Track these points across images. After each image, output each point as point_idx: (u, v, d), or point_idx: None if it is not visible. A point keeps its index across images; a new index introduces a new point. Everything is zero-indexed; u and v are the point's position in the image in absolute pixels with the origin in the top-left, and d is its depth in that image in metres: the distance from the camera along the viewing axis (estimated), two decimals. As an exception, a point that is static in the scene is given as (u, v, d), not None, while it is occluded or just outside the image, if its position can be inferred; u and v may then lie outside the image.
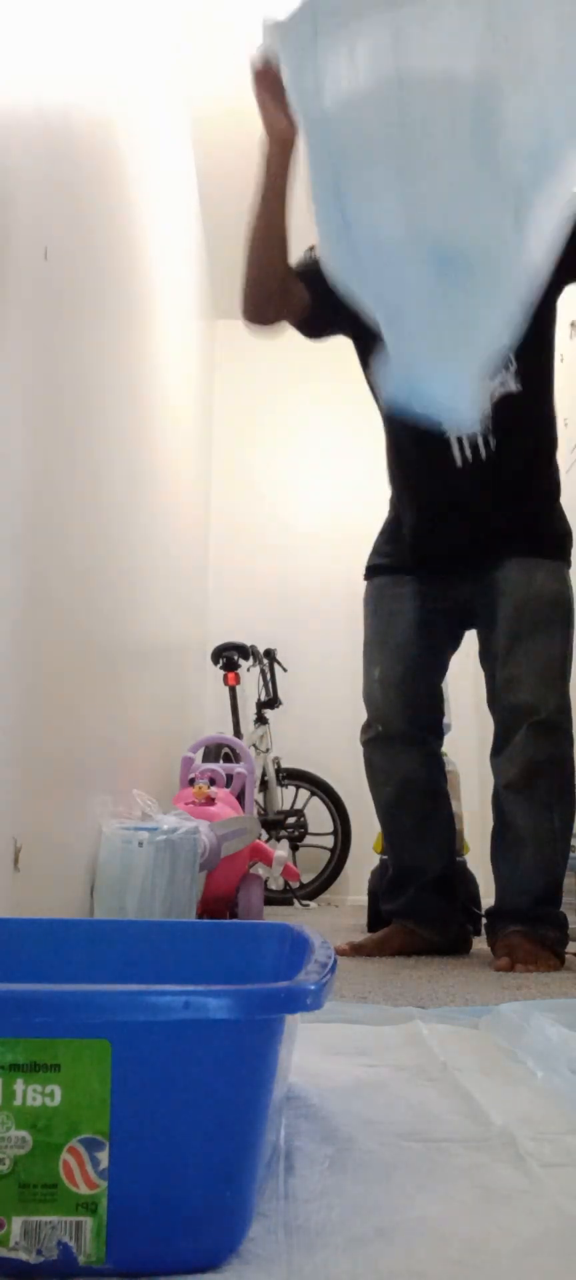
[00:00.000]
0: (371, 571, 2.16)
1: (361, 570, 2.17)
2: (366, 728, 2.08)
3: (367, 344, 1.83)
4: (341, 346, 2.06)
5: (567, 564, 1.96)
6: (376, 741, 2.04)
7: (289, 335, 2.06)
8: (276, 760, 4.15)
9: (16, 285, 1.39)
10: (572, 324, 3.00)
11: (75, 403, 1.78)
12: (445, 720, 2.17)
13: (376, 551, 2.16)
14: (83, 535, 1.84)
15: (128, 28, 2.34)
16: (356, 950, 1.93)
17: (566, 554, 1.97)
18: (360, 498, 3.61)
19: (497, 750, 1.94)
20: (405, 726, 2.02)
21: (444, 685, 2.14)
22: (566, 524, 2.00)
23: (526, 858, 1.86)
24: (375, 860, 2.72)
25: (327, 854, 4.18)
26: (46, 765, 1.59)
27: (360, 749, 2.10)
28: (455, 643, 2.14)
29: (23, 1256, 0.49)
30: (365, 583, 2.15)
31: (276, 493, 4.83)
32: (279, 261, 1.83)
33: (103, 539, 2.03)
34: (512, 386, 1.85)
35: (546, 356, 1.92)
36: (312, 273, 1.87)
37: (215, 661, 4.00)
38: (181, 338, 3.54)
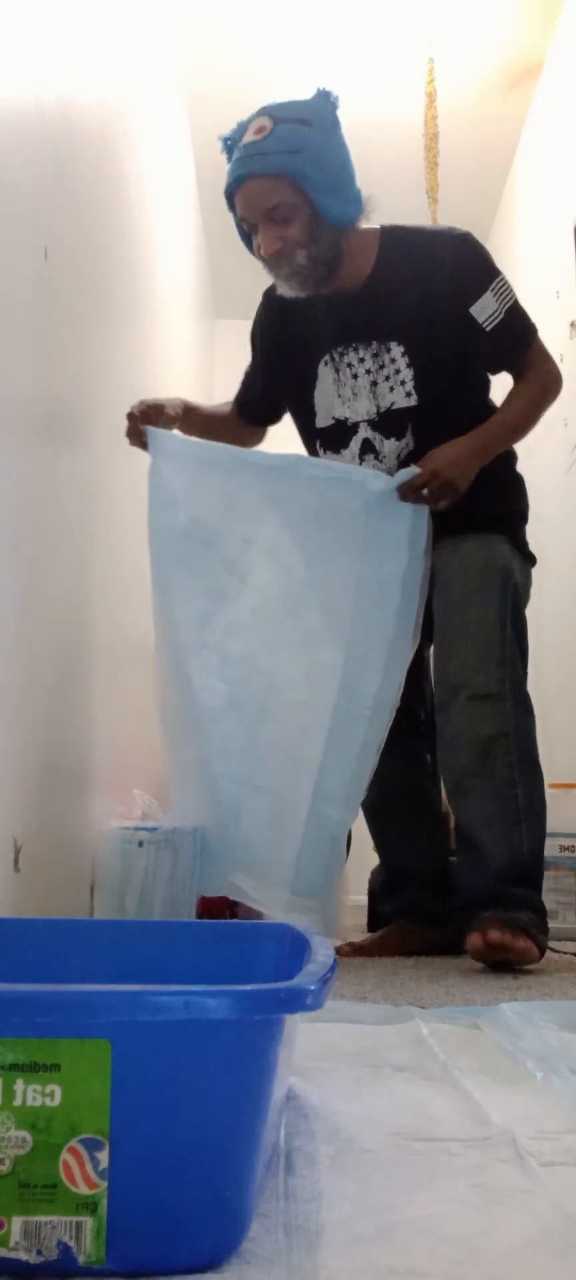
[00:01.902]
0: None
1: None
2: None
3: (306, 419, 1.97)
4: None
5: (503, 536, 1.86)
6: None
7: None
8: (276, 760, 4.14)
9: (16, 285, 1.39)
10: (573, 324, 3.00)
11: (75, 403, 1.78)
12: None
13: None
14: (83, 534, 1.84)
15: (128, 27, 2.33)
16: (356, 950, 1.93)
17: (500, 528, 1.87)
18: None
19: (439, 713, 1.84)
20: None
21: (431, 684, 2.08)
22: (507, 503, 1.92)
23: (484, 839, 1.74)
24: (375, 860, 2.71)
25: (328, 854, 4.17)
26: (46, 765, 1.59)
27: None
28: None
29: (23, 1256, 0.49)
30: None
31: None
32: (221, 436, 1.99)
33: (103, 538, 2.03)
34: (411, 446, 1.85)
35: (463, 383, 1.90)
36: (256, 397, 2.07)
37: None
38: (181, 337, 3.54)
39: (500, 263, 1.95)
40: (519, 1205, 0.61)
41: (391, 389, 1.85)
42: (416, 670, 1.97)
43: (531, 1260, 0.53)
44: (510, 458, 1.95)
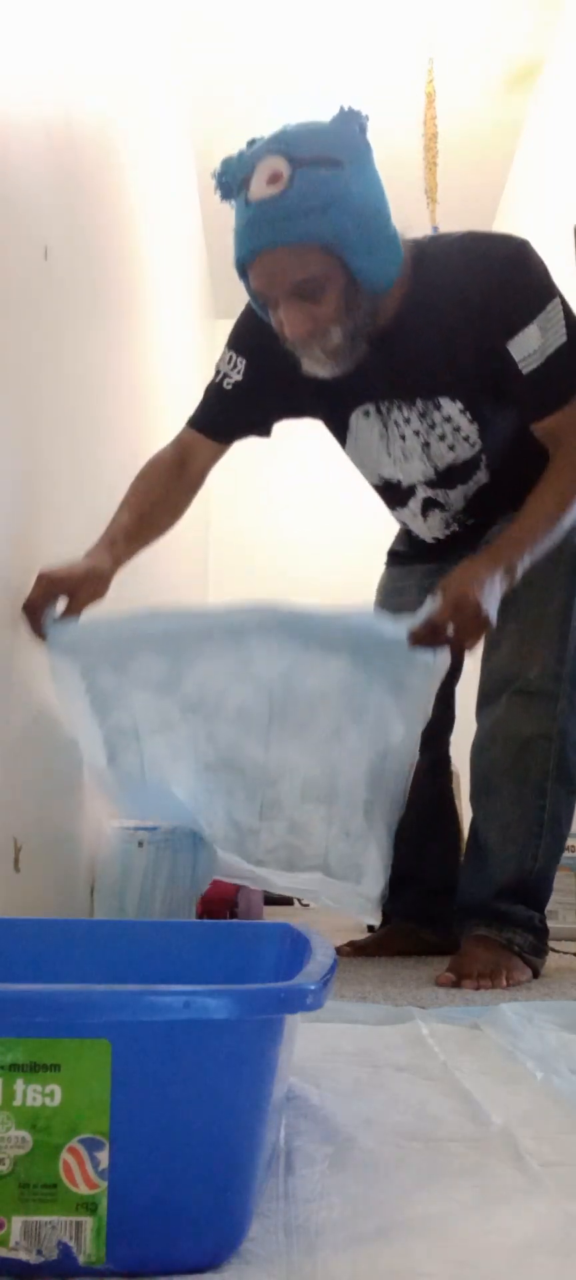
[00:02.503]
0: (388, 559, 1.99)
1: (361, 573, 2.15)
2: None
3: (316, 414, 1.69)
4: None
5: None
6: None
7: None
8: (276, 760, 4.14)
9: (16, 285, 1.39)
10: (572, 324, 3.00)
11: (75, 403, 1.78)
12: None
13: (396, 538, 1.97)
14: (82, 535, 1.84)
15: (128, 27, 2.34)
16: (358, 951, 1.93)
17: None
18: (360, 501, 3.60)
19: (480, 709, 1.67)
20: None
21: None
22: None
23: (496, 845, 1.61)
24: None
25: (328, 854, 4.18)
26: (46, 765, 1.59)
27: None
28: None
29: (23, 1256, 0.49)
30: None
31: (276, 494, 4.83)
32: (164, 513, 1.71)
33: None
34: (484, 479, 1.65)
35: (521, 446, 1.60)
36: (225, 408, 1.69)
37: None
38: (181, 337, 3.54)
39: None
40: (519, 1205, 0.61)
41: (451, 447, 1.60)
42: (449, 676, 1.91)
43: (531, 1260, 0.53)
44: None
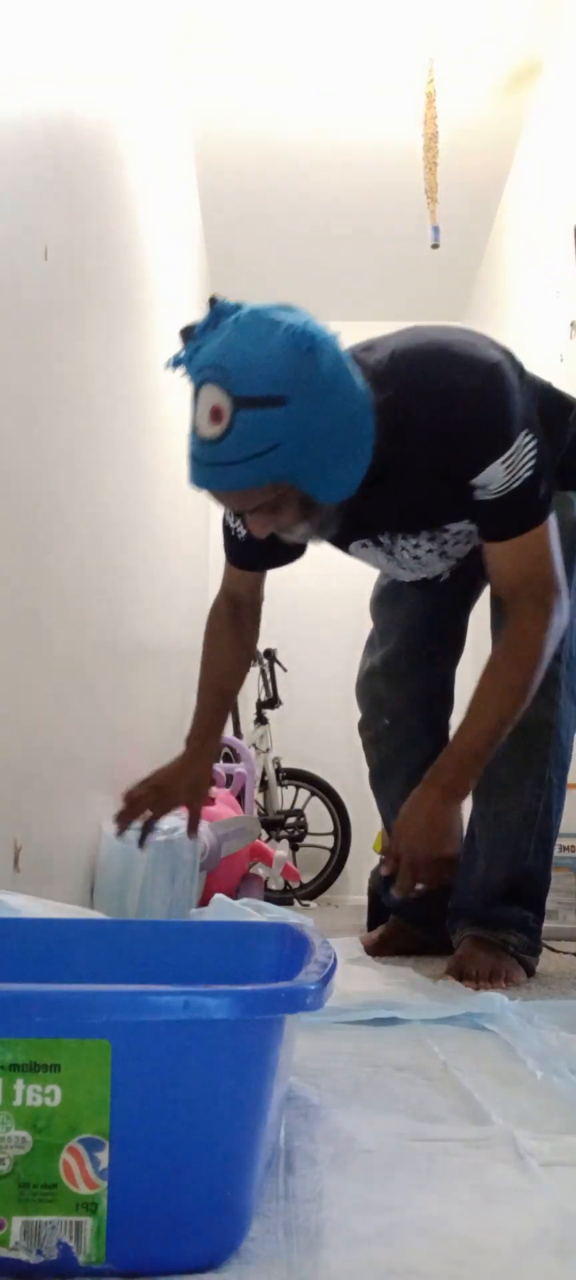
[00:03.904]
0: None
1: (361, 572, 2.14)
2: (367, 723, 2.03)
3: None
4: (343, 346, 2.05)
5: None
6: (380, 738, 1.99)
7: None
8: (276, 760, 4.15)
9: (16, 285, 1.39)
10: (573, 324, 3.00)
11: (75, 403, 1.78)
12: None
13: None
14: (83, 535, 1.84)
15: (128, 27, 2.34)
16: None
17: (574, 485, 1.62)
18: (360, 498, 3.60)
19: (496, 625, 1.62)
20: (414, 719, 1.87)
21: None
22: None
23: (490, 839, 1.60)
24: (375, 860, 2.71)
25: (328, 854, 4.18)
26: (47, 765, 1.59)
27: (360, 749, 2.08)
28: (468, 598, 1.85)
29: (23, 1256, 0.49)
30: None
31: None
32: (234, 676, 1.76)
33: (103, 539, 2.03)
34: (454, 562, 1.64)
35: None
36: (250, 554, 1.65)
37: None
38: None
39: (500, 262, 1.87)
40: (519, 1205, 0.61)
41: (467, 541, 1.57)
42: (444, 682, 1.91)
43: (531, 1260, 0.53)
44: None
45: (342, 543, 1.61)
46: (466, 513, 1.45)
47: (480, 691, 1.43)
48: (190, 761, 1.65)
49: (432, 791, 1.43)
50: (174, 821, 1.85)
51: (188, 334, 1.31)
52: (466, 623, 1.94)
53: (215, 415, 1.22)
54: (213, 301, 1.28)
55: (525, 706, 1.42)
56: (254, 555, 1.63)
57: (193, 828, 1.64)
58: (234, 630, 1.71)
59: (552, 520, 1.42)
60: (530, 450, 1.36)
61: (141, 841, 1.59)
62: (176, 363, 1.30)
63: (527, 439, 1.36)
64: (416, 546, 1.56)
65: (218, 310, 1.27)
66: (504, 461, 1.35)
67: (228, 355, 1.21)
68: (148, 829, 1.58)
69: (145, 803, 1.57)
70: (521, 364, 1.49)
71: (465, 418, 1.34)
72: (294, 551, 1.59)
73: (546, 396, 1.59)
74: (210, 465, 1.25)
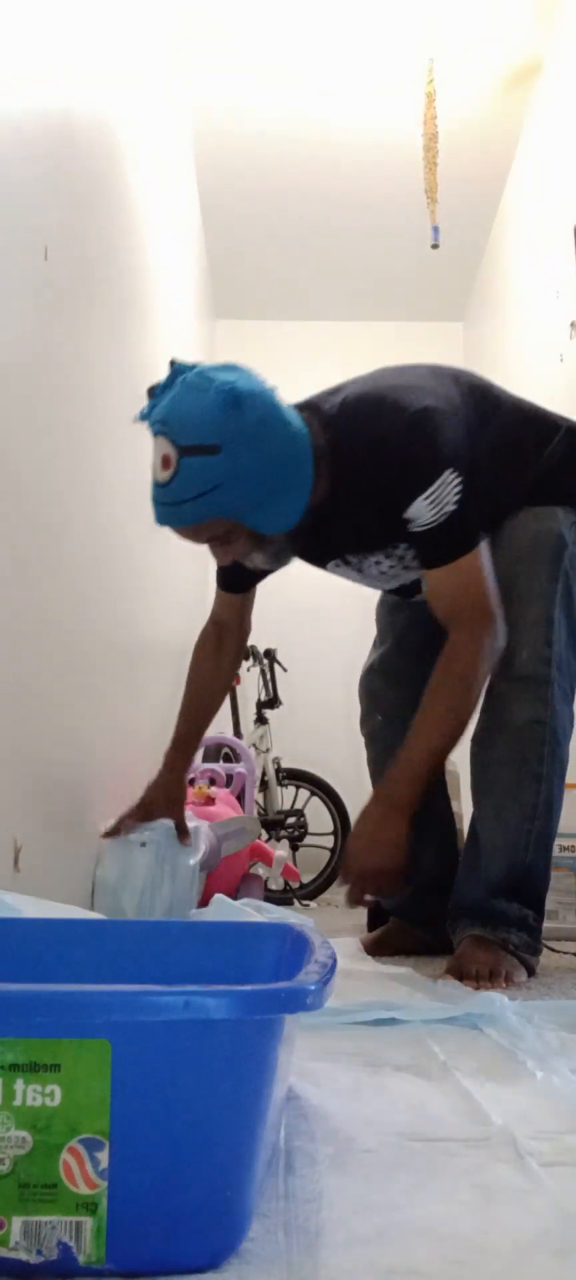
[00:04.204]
0: None
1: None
2: (364, 720, 2.05)
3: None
4: (343, 347, 2.06)
5: (565, 508, 1.67)
6: (375, 734, 2.01)
7: (289, 336, 2.06)
8: (276, 760, 4.15)
9: (16, 285, 1.39)
10: (573, 324, 3.00)
11: (75, 403, 1.78)
12: None
13: None
14: (83, 535, 1.84)
15: (127, 26, 2.34)
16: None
17: (565, 501, 1.68)
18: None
19: (478, 723, 1.70)
20: (408, 716, 1.94)
21: None
22: (566, 477, 1.71)
23: (488, 836, 1.63)
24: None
25: (328, 854, 4.18)
26: (46, 765, 1.59)
27: (360, 749, 2.09)
28: None
29: (23, 1256, 0.49)
30: None
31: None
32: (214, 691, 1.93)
33: (103, 540, 2.03)
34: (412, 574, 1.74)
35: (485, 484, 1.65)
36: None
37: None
38: (181, 337, 3.54)
39: (500, 262, 1.89)
40: (519, 1205, 0.61)
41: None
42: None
43: (531, 1260, 0.53)
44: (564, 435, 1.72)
45: (320, 563, 1.78)
46: (404, 540, 1.61)
47: (422, 711, 1.56)
48: (165, 777, 1.83)
49: (378, 806, 1.55)
50: (170, 822, 1.85)
51: (151, 392, 1.50)
52: None
53: (165, 462, 1.43)
54: (172, 364, 1.47)
55: (466, 722, 1.56)
56: (235, 576, 1.81)
57: (183, 833, 1.80)
58: (216, 658, 1.89)
59: (484, 548, 1.55)
60: (454, 487, 1.50)
61: (111, 833, 1.78)
62: (141, 417, 1.49)
63: (451, 476, 1.50)
64: (378, 564, 1.71)
65: (174, 371, 1.47)
66: (427, 498, 1.50)
67: (173, 410, 1.42)
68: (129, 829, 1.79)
69: (132, 818, 1.78)
70: (486, 392, 1.69)
71: (390, 460, 1.52)
72: (268, 571, 1.72)
73: (525, 419, 1.73)
74: (164, 505, 1.46)
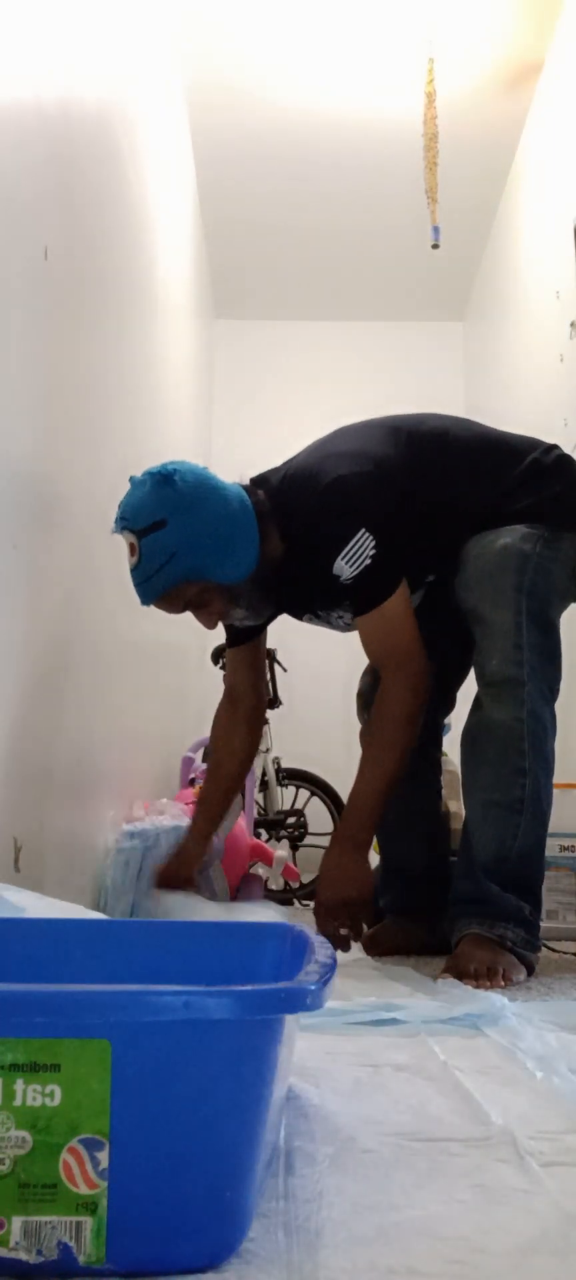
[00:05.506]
0: None
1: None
2: (362, 721, 2.08)
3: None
4: (343, 347, 2.06)
5: (524, 524, 1.76)
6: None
7: (289, 336, 2.06)
8: (276, 760, 4.14)
9: (16, 285, 1.39)
10: (573, 324, 3.00)
11: (75, 402, 1.78)
12: (445, 720, 2.15)
13: None
14: (83, 534, 1.84)
15: (128, 27, 2.33)
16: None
17: (527, 519, 1.77)
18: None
19: (465, 731, 1.80)
20: None
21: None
22: (529, 498, 1.80)
23: (477, 827, 1.68)
24: (375, 860, 2.72)
25: (328, 854, 4.18)
26: (47, 765, 1.59)
27: (360, 749, 2.09)
28: (458, 639, 1.94)
29: (23, 1256, 0.49)
30: None
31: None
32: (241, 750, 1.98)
33: (105, 539, 2.03)
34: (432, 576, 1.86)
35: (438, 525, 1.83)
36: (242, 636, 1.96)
37: (215, 662, 4.00)
38: (181, 337, 3.54)
39: (500, 263, 1.89)
40: (519, 1205, 0.61)
41: None
42: (454, 676, 2.00)
43: (531, 1260, 0.53)
44: (508, 459, 1.84)
45: (297, 615, 1.93)
46: (343, 594, 1.75)
47: (364, 752, 1.74)
48: (191, 847, 1.90)
49: (336, 846, 1.71)
50: (174, 822, 1.85)
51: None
52: (468, 661, 1.93)
53: (131, 550, 1.62)
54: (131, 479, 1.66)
55: (405, 757, 1.69)
56: (234, 630, 1.94)
57: (193, 886, 1.88)
58: (230, 723, 1.97)
59: (403, 593, 1.71)
60: (367, 544, 1.67)
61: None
62: (114, 531, 1.65)
63: (364, 535, 1.67)
64: (341, 617, 1.85)
65: (131, 481, 1.66)
66: (344, 556, 1.66)
67: (127, 505, 1.62)
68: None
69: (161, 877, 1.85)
70: (439, 437, 1.84)
71: (313, 526, 1.71)
72: (253, 622, 1.87)
73: (489, 448, 1.87)
74: (139, 585, 1.63)
